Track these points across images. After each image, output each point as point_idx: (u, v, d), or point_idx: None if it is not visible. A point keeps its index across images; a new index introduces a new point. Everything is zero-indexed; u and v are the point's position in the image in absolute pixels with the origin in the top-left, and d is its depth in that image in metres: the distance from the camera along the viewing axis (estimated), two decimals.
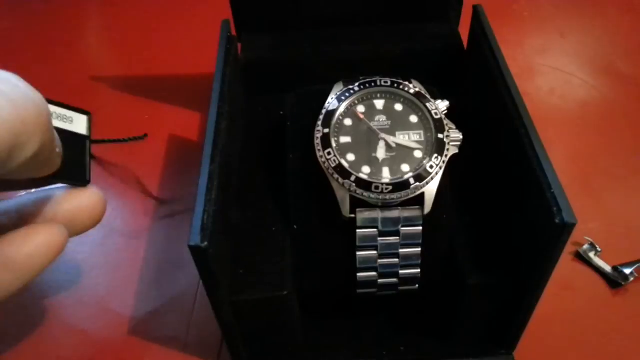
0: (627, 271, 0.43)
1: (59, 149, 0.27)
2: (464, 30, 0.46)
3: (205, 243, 0.29)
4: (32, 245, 0.29)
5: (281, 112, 0.42)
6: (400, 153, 0.34)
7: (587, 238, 0.45)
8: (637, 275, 0.43)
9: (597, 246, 0.44)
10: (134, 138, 0.35)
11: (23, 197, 0.32)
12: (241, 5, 0.45)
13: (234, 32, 0.45)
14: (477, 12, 0.42)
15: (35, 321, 0.43)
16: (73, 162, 0.30)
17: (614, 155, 0.52)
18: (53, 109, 0.30)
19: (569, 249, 0.45)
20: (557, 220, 0.29)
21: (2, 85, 0.23)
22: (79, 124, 0.31)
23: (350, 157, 0.34)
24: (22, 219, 0.31)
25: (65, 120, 0.30)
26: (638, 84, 0.58)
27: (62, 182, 0.30)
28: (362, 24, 0.47)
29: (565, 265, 0.44)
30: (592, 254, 0.44)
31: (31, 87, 0.24)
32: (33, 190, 0.32)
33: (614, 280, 0.43)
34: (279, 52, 0.46)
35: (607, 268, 0.44)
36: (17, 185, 0.32)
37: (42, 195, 0.31)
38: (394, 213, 0.34)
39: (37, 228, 0.30)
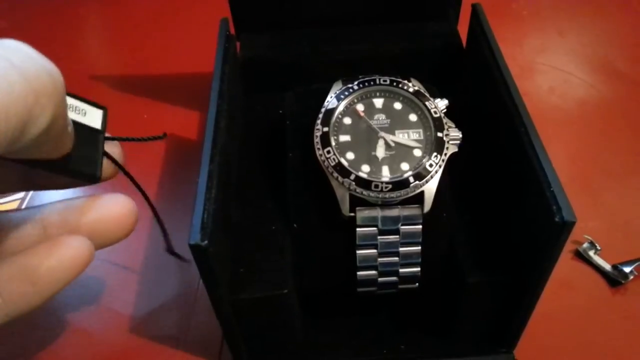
0: (627, 269, 0.43)
1: (70, 128, 0.26)
2: (463, 29, 0.46)
3: (206, 242, 0.29)
4: (55, 259, 0.28)
5: (280, 111, 0.42)
6: (400, 152, 0.34)
7: (586, 236, 0.45)
8: (636, 273, 0.43)
9: (596, 245, 0.44)
10: (153, 138, 0.35)
11: (46, 205, 0.30)
12: (240, 4, 0.45)
13: (232, 31, 0.45)
14: (475, 10, 0.42)
15: (36, 321, 0.43)
16: (84, 156, 0.28)
17: (613, 153, 0.52)
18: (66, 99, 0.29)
19: (568, 247, 0.45)
20: (556, 219, 0.29)
21: (14, 56, 0.22)
22: (93, 117, 0.30)
23: (350, 155, 0.34)
24: (46, 228, 0.30)
25: (78, 112, 0.29)
26: (637, 83, 0.58)
27: (71, 177, 0.29)
28: (361, 23, 0.47)
29: (565, 263, 0.44)
30: (591, 253, 0.44)
31: (44, 57, 0.23)
32: (57, 199, 0.31)
33: (614, 279, 0.43)
34: (278, 50, 0.46)
35: (607, 266, 0.44)
36: (30, 183, 0.30)
37: (67, 204, 0.30)
38: (394, 211, 0.34)
39: (62, 241, 0.28)
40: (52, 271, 0.28)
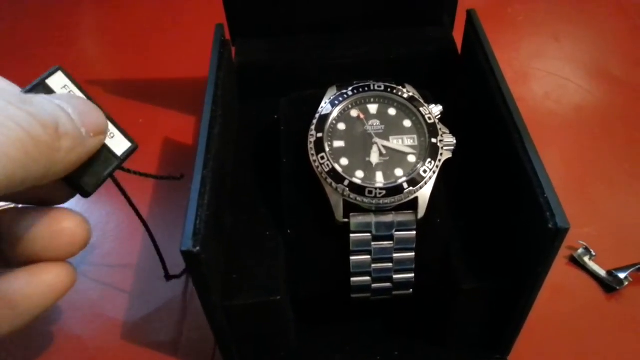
0: (622, 275, 0.43)
1: (102, 137, 0.28)
2: (458, 35, 0.46)
3: (198, 248, 0.29)
4: (35, 284, 0.28)
5: (275, 116, 0.42)
6: (394, 157, 0.34)
7: (581, 242, 0.45)
8: (631, 279, 0.43)
9: (591, 250, 0.44)
10: (169, 177, 0.35)
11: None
12: (236, 9, 0.45)
13: (228, 37, 0.45)
14: (470, 16, 0.42)
15: (28, 327, 0.43)
16: (90, 172, 0.29)
17: (608, 159, 0.52)
18: None
19: (563, 253, 0.45)
20: (550, 225, 0.29)
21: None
22: (119, 144, 0.30)
23: (344, 161, 0.34)
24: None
25: (108, 134, 0.30)
26: (632, 88, 0.58)
27: (66, 184, 0.29)
28: (357, 28, 0.47)
29: (559, 269, 0.44)
30: (586, 258, 0.44)
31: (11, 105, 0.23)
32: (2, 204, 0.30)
33: (609, 285, 0.43)
34: (274, 56, 0.46)
35: (602, 272, 0.44)
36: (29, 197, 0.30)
37: (19, 212, 0.29)
38: (388, 217, 0.34)
39: (42, 267, 0.29)
40: (31, 296, 0.28)
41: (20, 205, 0.30)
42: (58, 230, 0.29)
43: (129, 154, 0.31)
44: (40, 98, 0.25)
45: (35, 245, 0.29)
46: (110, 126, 0.30)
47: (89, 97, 0.29)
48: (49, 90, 0.28)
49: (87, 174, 0.29)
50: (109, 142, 0.30)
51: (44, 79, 0.28)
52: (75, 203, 0.33)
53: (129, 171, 0.32)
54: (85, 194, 0.29)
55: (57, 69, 0.29)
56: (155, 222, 0.48)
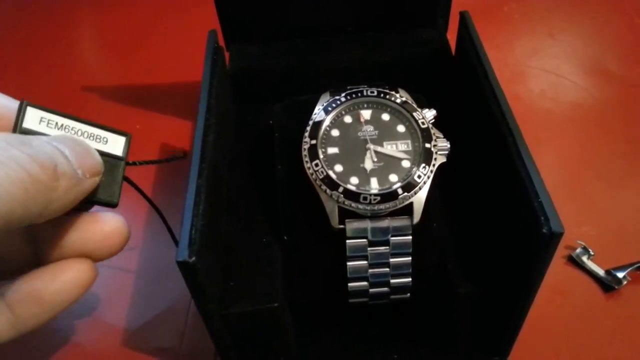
0: (620, 275, 0.43)
1: (97, 178, 0.29)
2: (452, 37, 0.46)
3: (193, 258, 0.29)
4: (59, 281, 0.30)
5: (270, 122, 0.42)
6: (388, 163, 0.34)
7: (579, 242, 0.45)
8: (630, 278, 0.43)
9: (590, 250, 0.44)
10: (174, 158, 0.36)
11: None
12: (229, 15, 0.45)
13: (222, 42, 0.45)
14: (463, 18, 0.42)
15: (28, 333, 0.43)
16: (104, 184, 0.30)
17: (606, 157, 0.52)
18: (85, 128, 0.30)
19: (561, 252, 0.45)
20: (544, 230, 0.29)
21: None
22: (115, 144, 0.31)
23: (338, 168, 0.34)
24: (37, 242, 0.31)
25: (99, 140, 0.31)
26: (629, 86, 0.58)
27: (89, 204, 0.30)
28: (351, 32, 0.47)
29: (558, 269, 0.44)
30: (585, 258, 0.44)
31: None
32: None
33: (607, 284, 0.43)
34: (268, 61, 0.46)
35: (600, 272, 0.44)
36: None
37: (59, 221, 0.31)
38: (384, 223, 0.34)
39: (65, 264, 0.31)
40: (56, 293, 0.30)
41: None
42: (105, 233, 0.31)
43: (128, 147, 0.32)
44: (38, 140, 0.27)
45: (83, 249, 0.31)
46: (101, 131, 0.31)
47: (69, 117, 0.30)
48: (33, 135, 0.28)
49: (103, 188, 0.30)
50: (106, 148, 0.31)
51: (20, 124, 0.28)
52: None
53: (134, 163, 0.33)
54: (114, 205, 0.31)
55: (25, 105, 0.29)
56: (154, 229, 0.48)
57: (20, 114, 0.28)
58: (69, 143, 0.28)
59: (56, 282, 0.30)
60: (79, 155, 0.28)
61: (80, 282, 0.31)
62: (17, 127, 0.28)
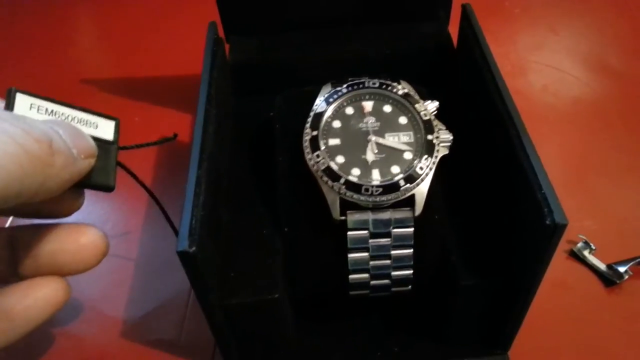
0: (622, 269, 0.42)
1: (92, 160, 0.29)
2: (454, 30, 0.46)
3: (194, 248, 0.28)
4: (31, 299, 0.30)
5: (271, 114, 0.41)
6: (390, 155, 0.34)
7: (581, 236, 0.44)
8: (631, 273, 0.43)
9: (591, 244, 0.44)
10: (164, 140, 0.36)
11: (18, 227, 0.31)
12: (229, 7, 0.45)
13: (222, 34, 0.45)
14: (465, 11, 0.42)
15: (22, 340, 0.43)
16: (99, 168, 0.30)
17: (607, 152, 0.52)
18: (75, 113, 0.30)
19: (563, 247, 0.45)
20: (547, 222, 0.29)
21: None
22: (105, 129, 0.32)
23: (340, 159, 0.34)
24: (15, 249, 0.31)
25: (89, 125, 0.31)
26: (631, 80, 0.58)
27: (87, 188, 0.30)
28: (352, 24, 0.47)
29: (559, 263, 0.44)
30: (586, 252, 0.44)
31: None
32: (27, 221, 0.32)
33: (609, 279, 0.43)
34: (268, 53, 0.46)
35: (602, 266, 0.43)
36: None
37: (37, 230, 0.31)
38: (385, 215, 0.33)
39: (38, 282, 0.30)
40: (28, 310, 0.30)
41: (36, 221, 0.32)
42: (80, 245, 0.31)
43: (117, 132, 0.32)
44: (30, 118, 0.26)
45: (58, 260, 0.31)
46: (90, 117, 0.31)
47: (59, 103, 0.30)
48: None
49: (98, 172, 0.30)
50: (97, 133, 0.31)
51: (9, 109, 0.28)
52: None
53: (125, 147, 0.33)
54: (111, 189, 0.31)
55: (14, 92, 0.28)
56: (153, 220, 0.48)
57: (10, 101, 0.28)
58: (62, 124, 0.28)
59: (27, 299, 0.30)
60: (72, 136, 0.27)
61: (51, 300, 0.30)
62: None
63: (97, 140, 0.30)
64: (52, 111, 0.29)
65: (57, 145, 0.26)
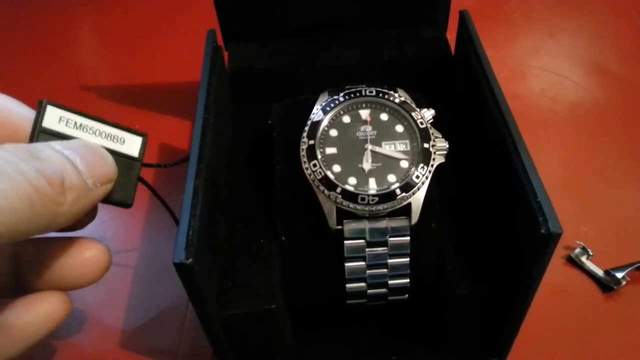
0: (619, 275, 0.42)
1: (109, 185, 0.29)
2: (452, 36, 0.46)
3: (190, 260, 0.28)
4: (32, 314, 0.30)
5: (269, 122, 0.42)
6: (387, 163, 0.34)
7: (578, 242, 0.44)
8: (629, 279, 0.43)
9: (589, 250, 0.44)
10: (180, 162, 0.36)
11: (22, 243, 0.31)
12: (228, 14, 0.45)
13: (221, 42, 0.45)
14: (463, 17, 0.42)
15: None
16: (120, 184, 0.30)
17: (606, 157, 0.52)
18: (104, 128, 0.30)
19: (560, 253, 0.45)
20: (542, 230, 0.29)
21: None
22: (131, 145, 0.31)
23: (336, 168, 0.34)
24: (18, 265, 0.31)
25: (116, 140, 0.31)
26: (629, 85, 0.58)
27: (103, 203, 0.30)
28: (350, 30, 0.47)
29: (557, 269, 0.44)
30: (584, 258, 0.44)
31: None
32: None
33: (606, 285, 0.43)
34: (267, 60, 0.46)
35: (599, 272, 0.43)
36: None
37: (40, 245, 0.31)
38: (382, 223, 0.33)
39: (39, 297, 0.30)
40: (28, 325, 0.30)
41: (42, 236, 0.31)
42: (84, 259, 0.31)
43: (144, 148, 0.32)
44: (48, 150, 0.26)
45: (62, 274, 0.31)
46: (118, 132, 0.31)
47: (88, 117, 0.30)
48: (51, 134, 0.28)
49: (118, 188, 0.30)
50: (123, 149, 0.31)
51: (39, 123, 0.28)
52: None
53: (150, 165, 0.33)
54: (128, 206, 0.31)
55: (45, 104, 0.29)
56: (152, 230, 0.48)
57: (40, 112, 0.28)
58: (81, 151, 0.27)
59: (28, 315, 0.30)
60: (90, 164, 0.27)
61: (52, 316, 0.30)
62: (37, 126, 0.28)
63: (121, 155, 0.30)
64: (80, 125, 0.29)
65: (69, 181, 0.26)
